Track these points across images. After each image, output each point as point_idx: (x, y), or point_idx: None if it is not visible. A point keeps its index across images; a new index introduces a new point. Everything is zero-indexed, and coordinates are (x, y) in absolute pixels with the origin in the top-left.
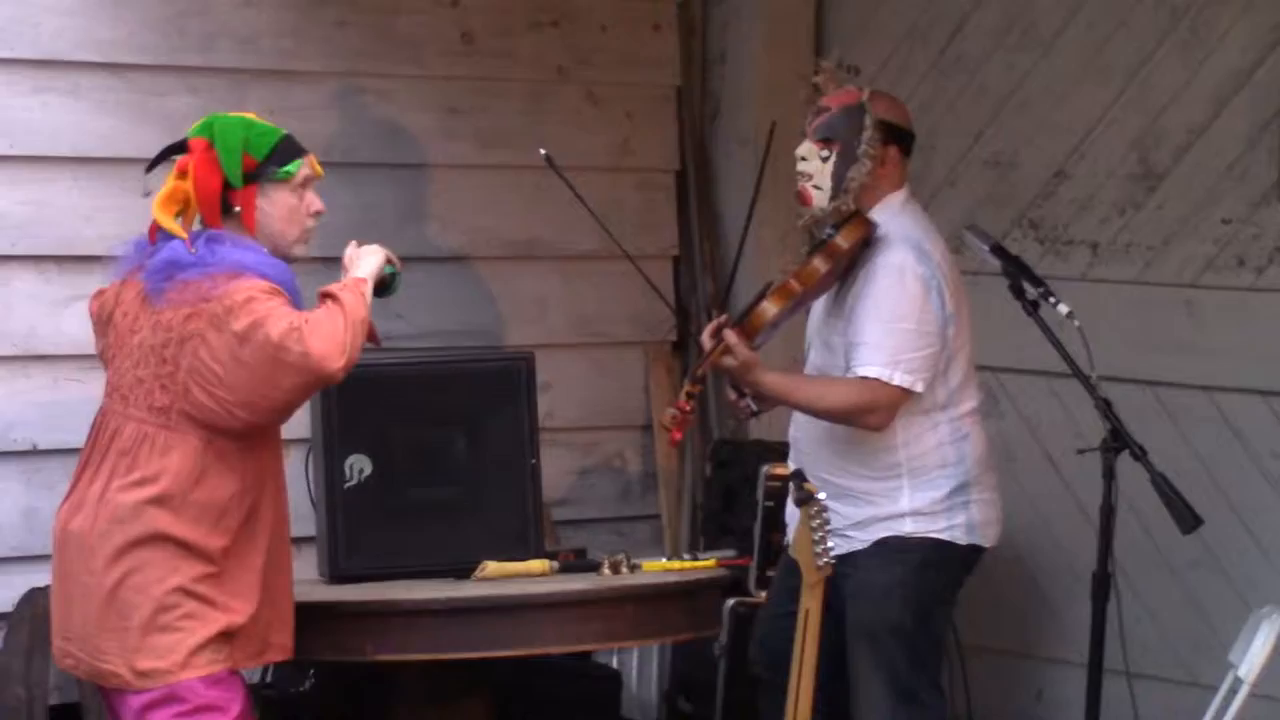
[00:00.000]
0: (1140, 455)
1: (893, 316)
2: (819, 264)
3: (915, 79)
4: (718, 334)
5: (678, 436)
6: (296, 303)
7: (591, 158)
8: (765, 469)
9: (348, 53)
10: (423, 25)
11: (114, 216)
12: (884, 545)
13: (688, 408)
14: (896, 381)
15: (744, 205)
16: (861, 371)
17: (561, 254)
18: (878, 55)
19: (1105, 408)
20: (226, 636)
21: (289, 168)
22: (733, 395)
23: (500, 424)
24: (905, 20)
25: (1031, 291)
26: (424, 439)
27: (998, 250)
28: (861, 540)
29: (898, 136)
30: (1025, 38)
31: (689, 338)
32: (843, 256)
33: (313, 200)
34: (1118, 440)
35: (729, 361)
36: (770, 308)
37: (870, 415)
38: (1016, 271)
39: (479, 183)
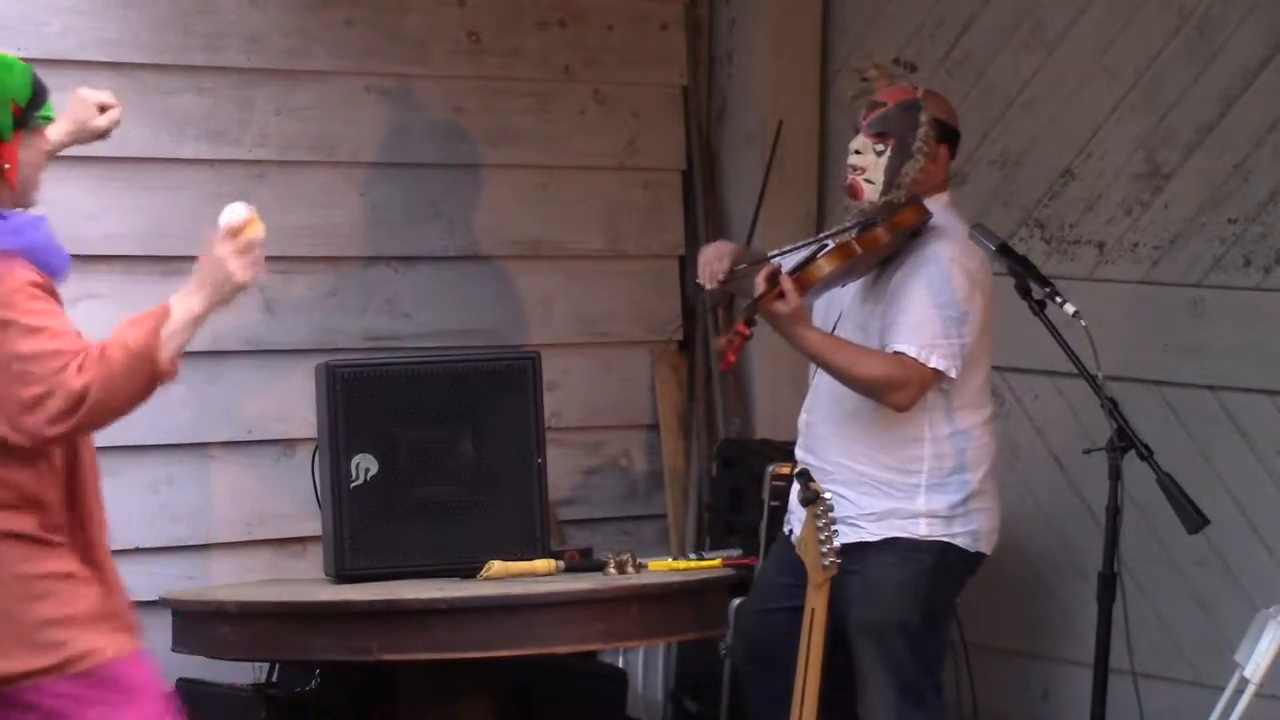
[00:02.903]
0: (1146, 455)
1: (938, 302)
2: (882, 233)
3: (922, 78)
4: (772, 278)
5: (731, 359)
6: (56, 260)
7: (598, 157)
8: (771, 469)
9: (354, 52)
10: (430, 25)
11: (120, 215)
12: (895, 544)
13: (747, 331)
14: (932, 363)
15: (750, 204)
16: (898, 347)
17: (567, 253)
18: (884, 54)
19: (1111, 407)
20: (105, 616)
21: (47, 110)
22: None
23: (506, 423)
24: (912, 19)
25: (1038, 291)
26: (430, 439)
27: (1004, 250)
28: (872, 533)
29: (949, 135)
30: (1032, 37)
31: (695, 337)
32: (902, 235)
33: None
34: (1124, 440)
35: (780, 308)
36: (826, 265)
37: (899, 392)
38: (1023, 271)
39: (485, 182)
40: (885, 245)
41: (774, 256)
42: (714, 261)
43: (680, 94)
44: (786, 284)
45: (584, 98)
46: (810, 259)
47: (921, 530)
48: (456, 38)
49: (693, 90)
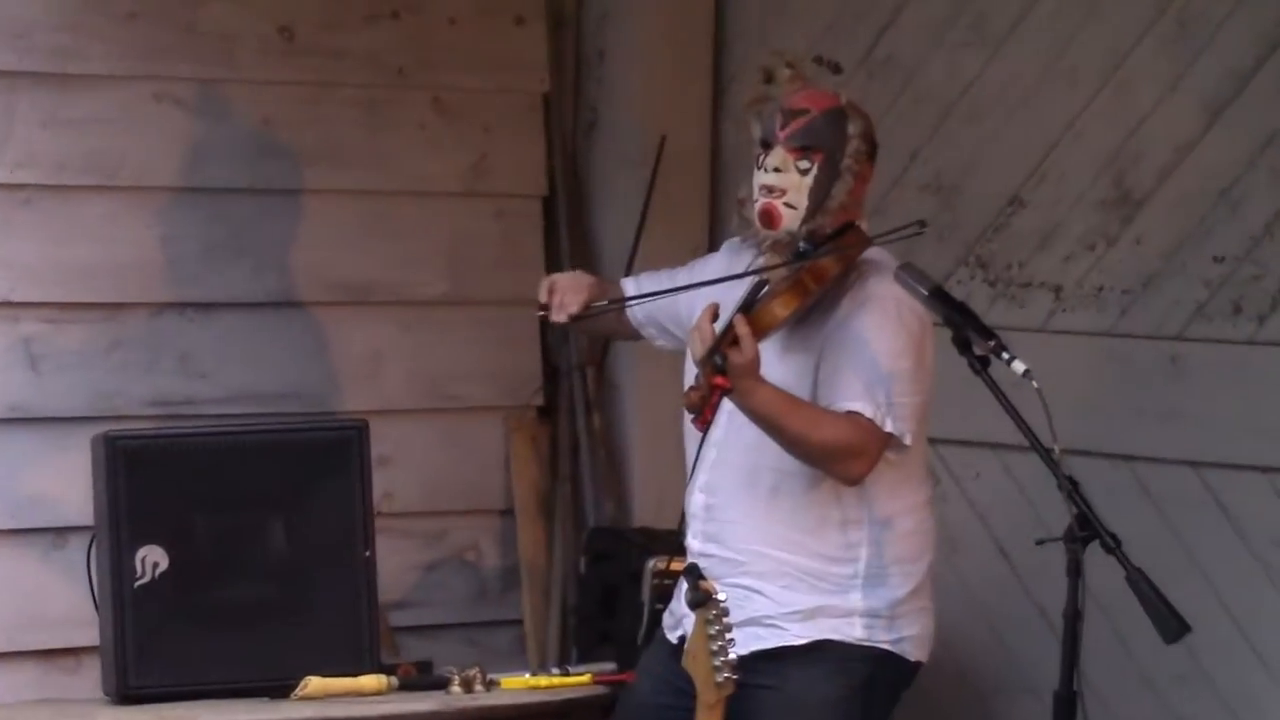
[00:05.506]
0: (1114, 547)
1: (890, 351)
2: (830, 264)
3: (836, 84)
4: (715, 318)
5: (710, 417)
6: None
7: (439, 180)
8: (652, 563)
9: (140, 52)
10: (233, 18)
11: None
12: (824, 650)
13: (728, 384)
14: (888, 428)
15: (627, 237)
16: (852, 406)
17: (402, 299)
18: (791, 53)
19: (1070, 488)
20: None
21: None
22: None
23: (326, 508)
24: (825, 11)
25: (980, 345)
26: (232, 526)
27: (938, 295)
28: (797, 635)
29: (874, 152)
30: (973, 33)
31: (559, 401)
32: (846, 269)
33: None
34: (1086, 528)
35: (735, 356)
36: (780, 310)
37: (855, 461)
38: (962, 321)
39: (301, 211)
40: (832, 281)
41: (650, 295)
42: (568, 292)
43: (540, 103)
44: (743, 328)
45: (422, 107)
46: (755, 302)
47: (857, 633)
48: (265, 34)
49: (556, 98)
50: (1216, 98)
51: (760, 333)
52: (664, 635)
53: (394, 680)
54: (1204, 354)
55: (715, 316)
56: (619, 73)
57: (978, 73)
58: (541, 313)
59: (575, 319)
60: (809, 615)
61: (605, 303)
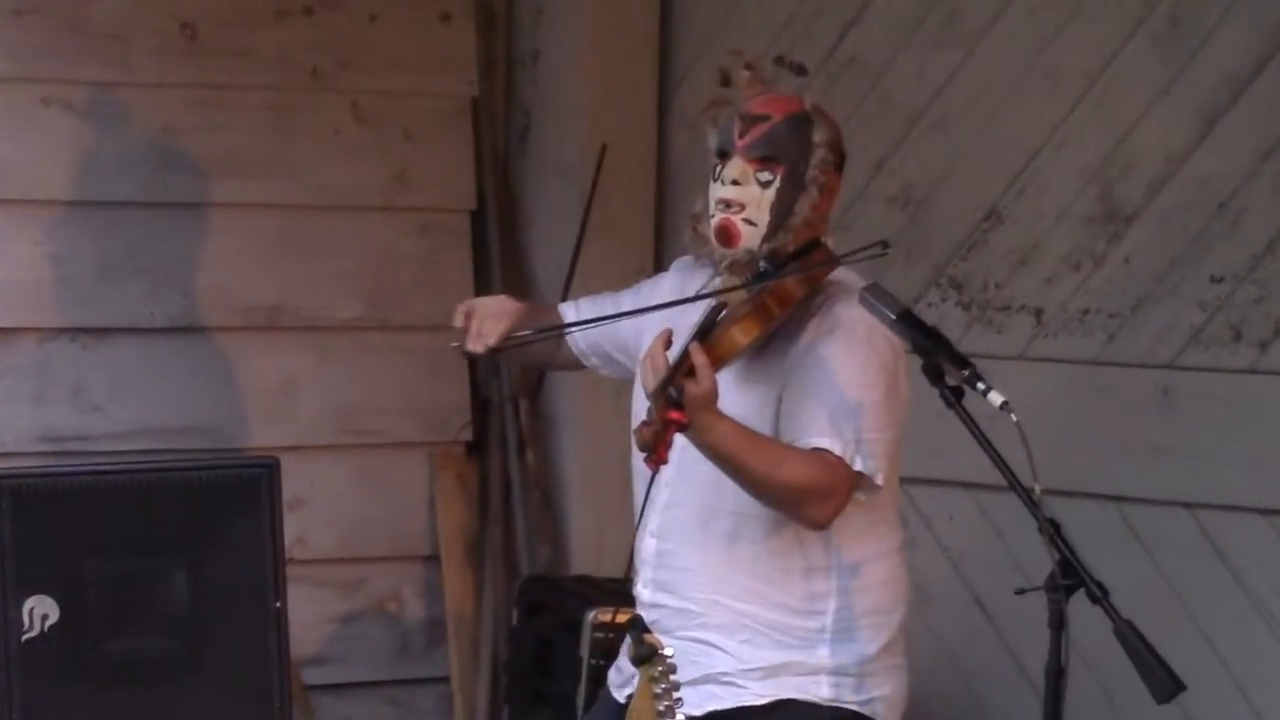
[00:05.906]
0: (1100, 597)
1: (860, 382)
2: (794, 286)
3: (795, 88)
4: (669, 346)
5: (665, 456)
6: None
7: (357, 193)
8: (592, 615)
9: (27, 51)
10: (129, 14)
11: None
12: (786, 710)
13: (685, 419)
14: (858, 466)
15: (564, 256)
16: (819, 442)
17: (316, 323)
18: (746, 52)
19: (1052, 532)
20: None
21: None
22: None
23: (233, 554)
24: (783, 8)
25: (954, 374)
26: (129, 575)
27: (907, 319)
28: (757, 694)
29: (842, 163)
30: (945, 31)
31: (489, 437)
32: (812, 291)
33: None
34: (1069, 576)
35: (692, 389)
36: (741, 337)
37: (821, 503)
38: (932, 348)
39: (205, 228)
40: (796, 304)
41: (584, 323)
42: (487, 319)
43: (468, 107)
44: (700, 358)
45: (338, 112)
46: (712, 328)
47: (824, 692)
48: (165, 31)
49: (485, 103)
50: (1213, 103)
51: (718, 362)
52: (610, 694)
53: None
54: (1199, 384)
55: (669, 344)
56: (555, 74)
57: (950, 75)
58: (455, 343)
59: (493, 351)
60: (771, 672)
61: (530, 332)
